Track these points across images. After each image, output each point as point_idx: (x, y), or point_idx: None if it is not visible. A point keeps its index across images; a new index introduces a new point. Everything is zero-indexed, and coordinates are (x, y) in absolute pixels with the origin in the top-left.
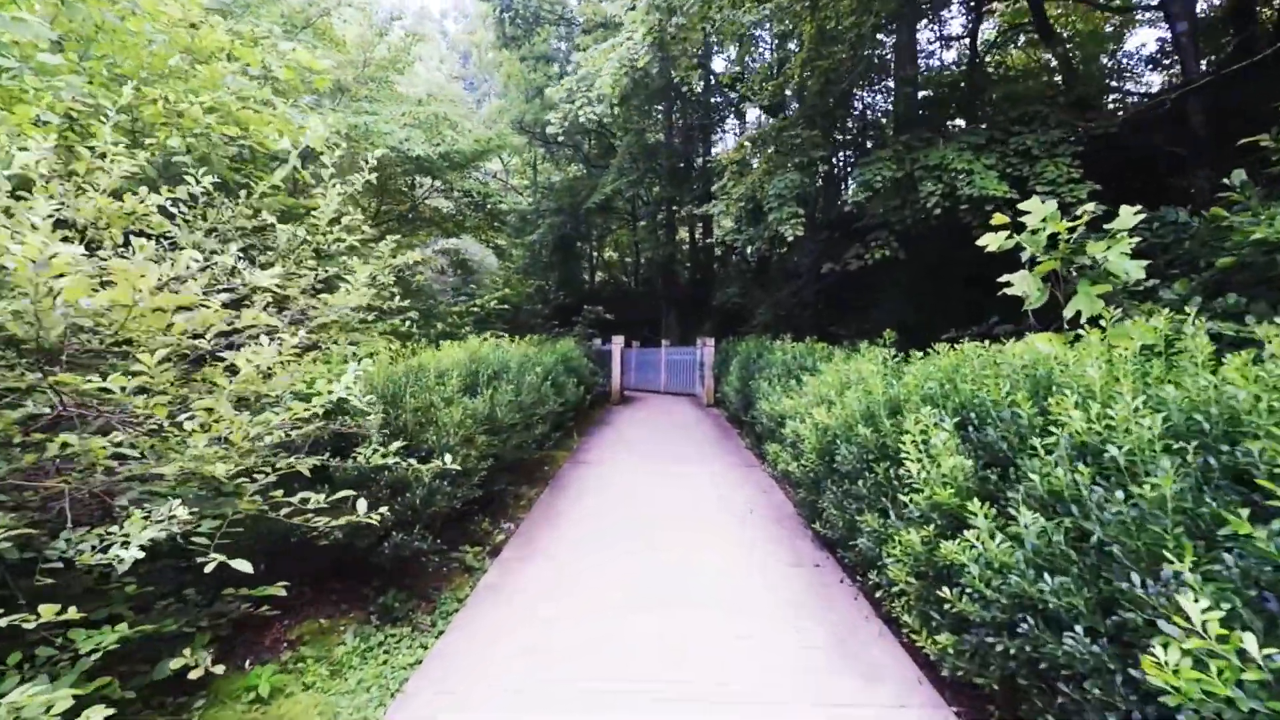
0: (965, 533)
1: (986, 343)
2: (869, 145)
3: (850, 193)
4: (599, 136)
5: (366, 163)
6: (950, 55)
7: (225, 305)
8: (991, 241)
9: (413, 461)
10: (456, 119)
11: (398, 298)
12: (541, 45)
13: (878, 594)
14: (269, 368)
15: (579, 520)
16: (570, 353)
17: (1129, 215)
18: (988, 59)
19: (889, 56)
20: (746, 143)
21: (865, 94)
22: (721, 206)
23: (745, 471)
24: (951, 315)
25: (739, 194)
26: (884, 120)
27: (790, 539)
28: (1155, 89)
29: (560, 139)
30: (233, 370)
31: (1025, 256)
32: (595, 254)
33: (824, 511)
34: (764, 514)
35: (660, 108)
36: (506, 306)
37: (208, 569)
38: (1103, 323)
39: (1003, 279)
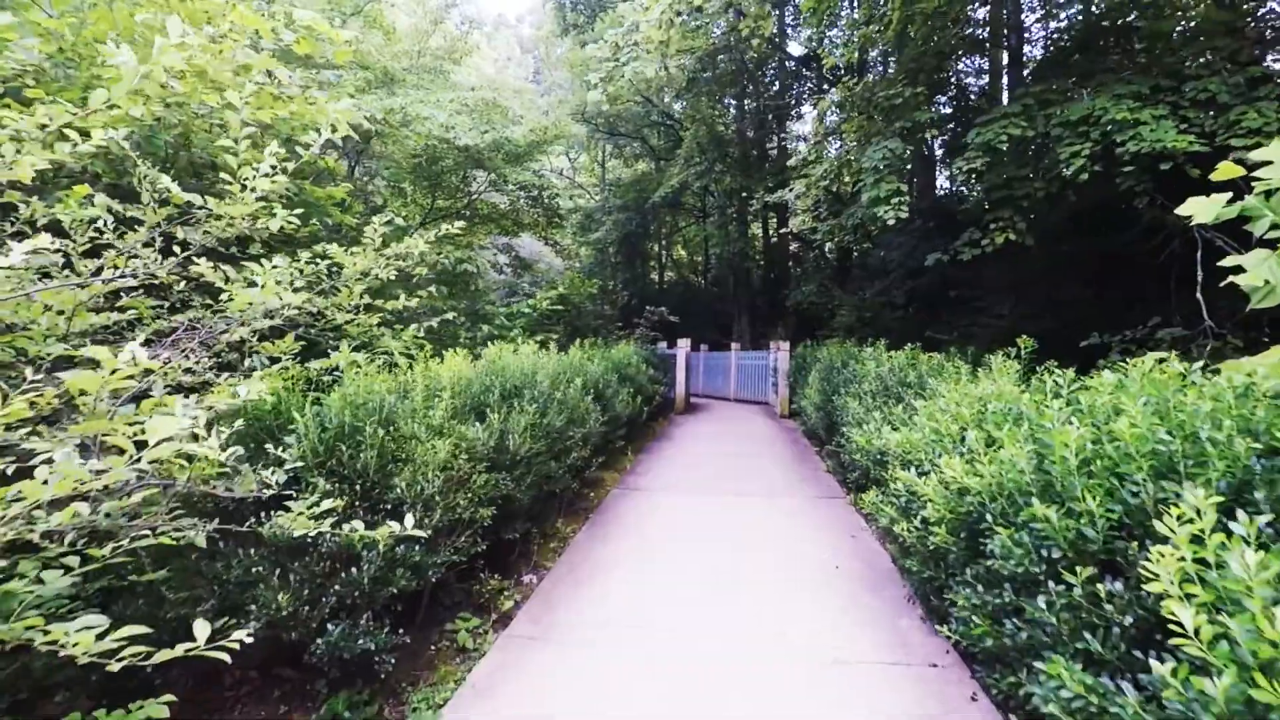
0: None
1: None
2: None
3: (962, 162)
4: (666, 130)
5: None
6: None
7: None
8: (1201, 210)
9: (357, 525)
10: (507, 106)
11: (428, 296)
12: (604, 29)
13: None
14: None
15: (615, 576)
16: (626, 359)
17: None
18: None
19: None
20: (832, 106)
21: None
22: (800, 188)
23: (828, 507)
24: (1081, 317)
25: (820, 173)
26: (999, 77)
27: (891, 616)
28: None
29: (623, 129)
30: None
31: (1261, 230)
32: (664, 253)
33: (953, 604)
34: (854, 572)
35: (731, 94)
36: (561, 307)
37: None
38: None
39: (1229, 263)
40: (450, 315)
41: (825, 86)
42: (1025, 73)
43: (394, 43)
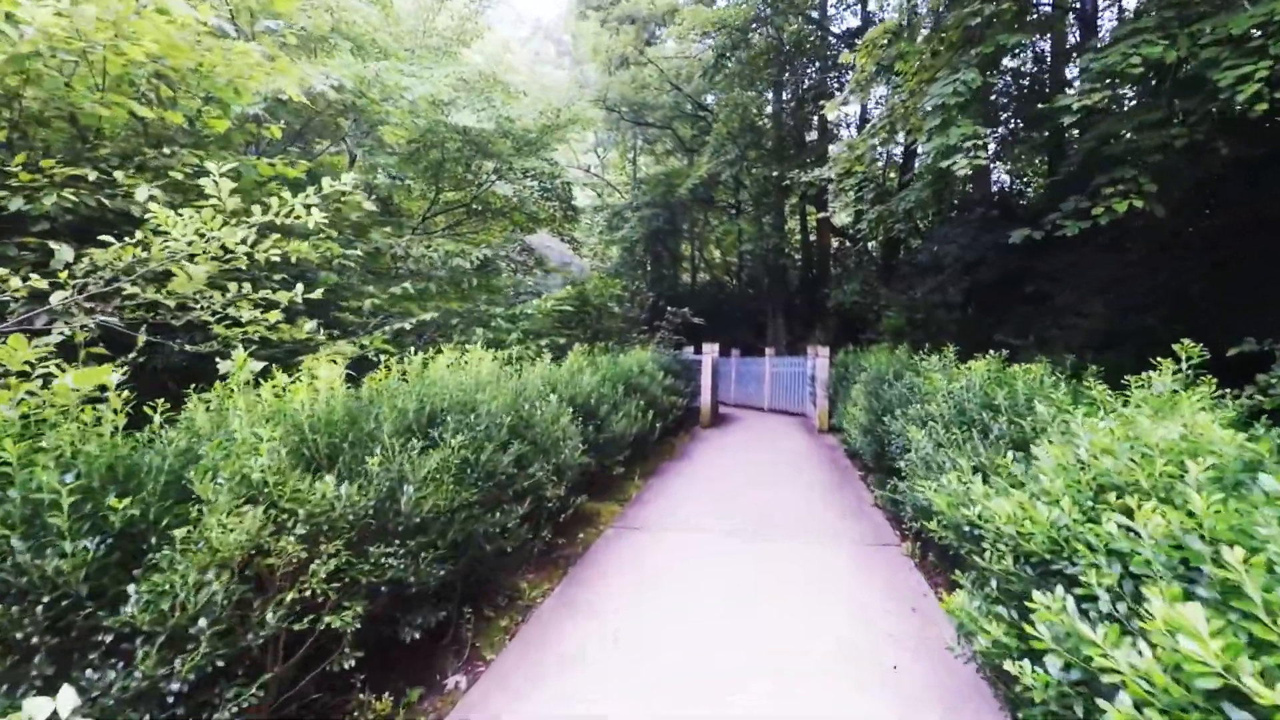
0: None
1: None
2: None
3: (1073, 91)
4: (697, 122)
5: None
6: None
7: None
8: None
9: None
10: (511, 83)
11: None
12: (626, 5)
13: None
14: None
15: (588, 674)
16: (636, 367)
17: None
18: None
19: None
20: (881, 38)
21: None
22: (842, 160)
23: (881, 563)
24: (1189, 319)
25: (868, 132)
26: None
27: None
28: None
29: (651, 120)
30: None
31: None
32: (697, 253)
33: None
34: (920, 676)
35: (765, 77)
36: (575, 309)
37: None
38: None
39: None
40: (429, 316)
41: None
42: None
43: (393, 23)
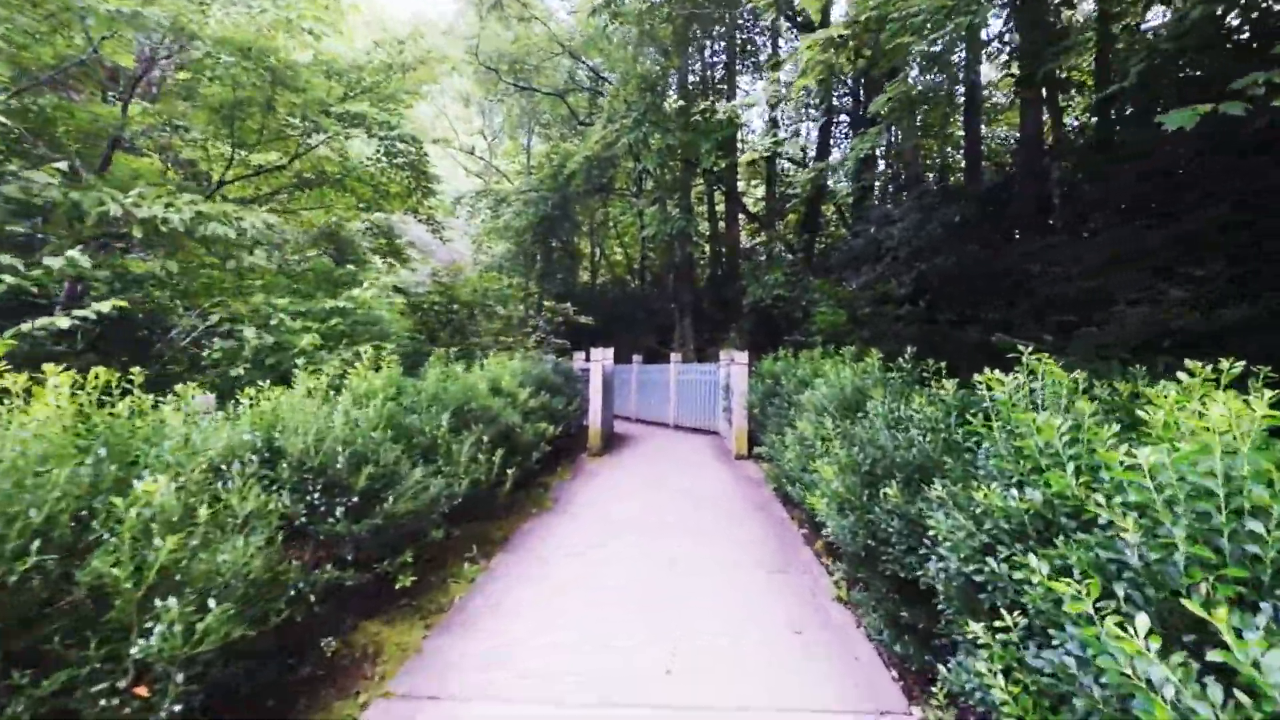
0: None
1: None
2: None
3: None
4: (594, 95)
5: None
6: None
7: None
8: None
9: None
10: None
11: None
12: None
13: None
14: None
15: None
16: (488, 385)
17: None
18: None
19: None
20: None
21: None
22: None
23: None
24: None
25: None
26: None
27: None
28: None
29: (541, 86)
30: None
31: None
32: (597, 248)
33: None
34: None
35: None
36: (435, 301)
37: None
38: None
39: None
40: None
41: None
42: None
43: None
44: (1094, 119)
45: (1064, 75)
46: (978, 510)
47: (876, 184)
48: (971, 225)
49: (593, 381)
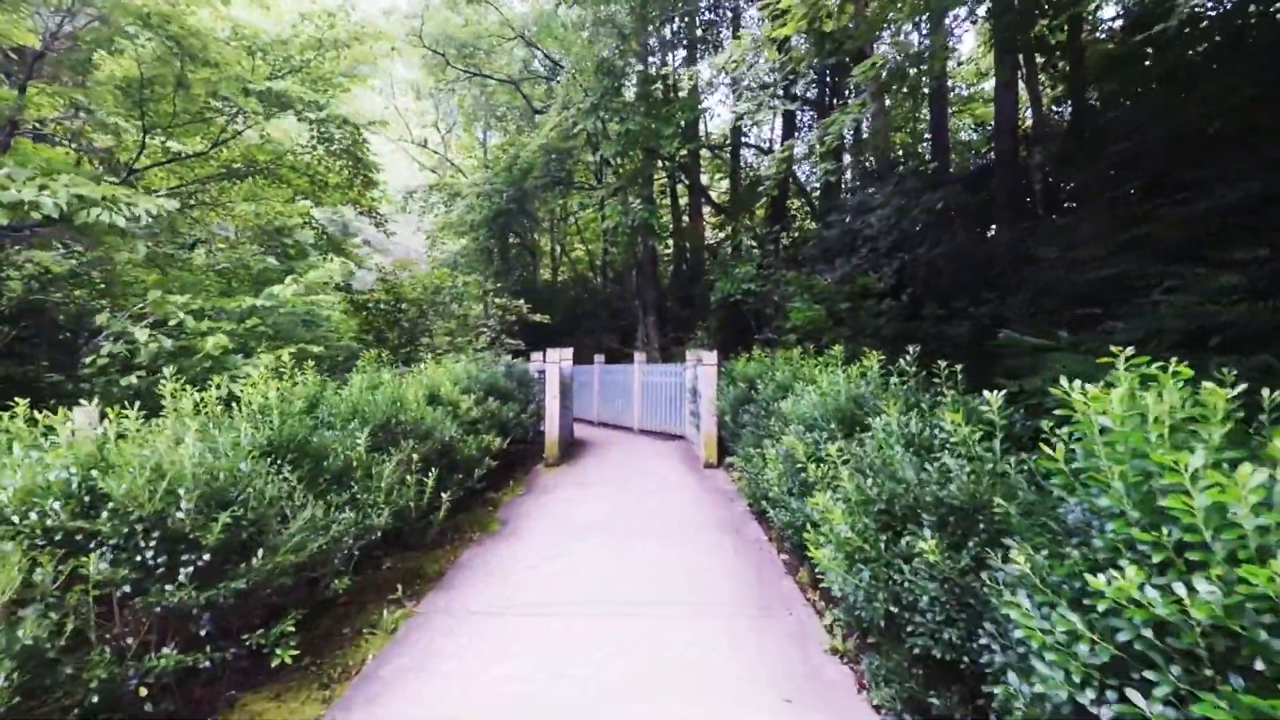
0: None
1: None
2: None
3: None
4: (551, 84)
5: None
6: None
7: None
8: None
9: None
10: None
11: None
12: None
13: None
14: None
15: None
16: (418, 398)
17: None
18: None
19: None
20: None
21: None
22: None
23: None
24: None
25: None
26: None
27: None
28: None
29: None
30: None
31: None
32: (558, 245)
33: None
34: None
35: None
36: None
37: None
38: None
39: None
40: None
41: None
42: None
43: None
44: (1070, 103)
45: (1042, 59)
46: (1099, 606)
47: (846, 175)
48: (956, 212)
49: (549, 385)
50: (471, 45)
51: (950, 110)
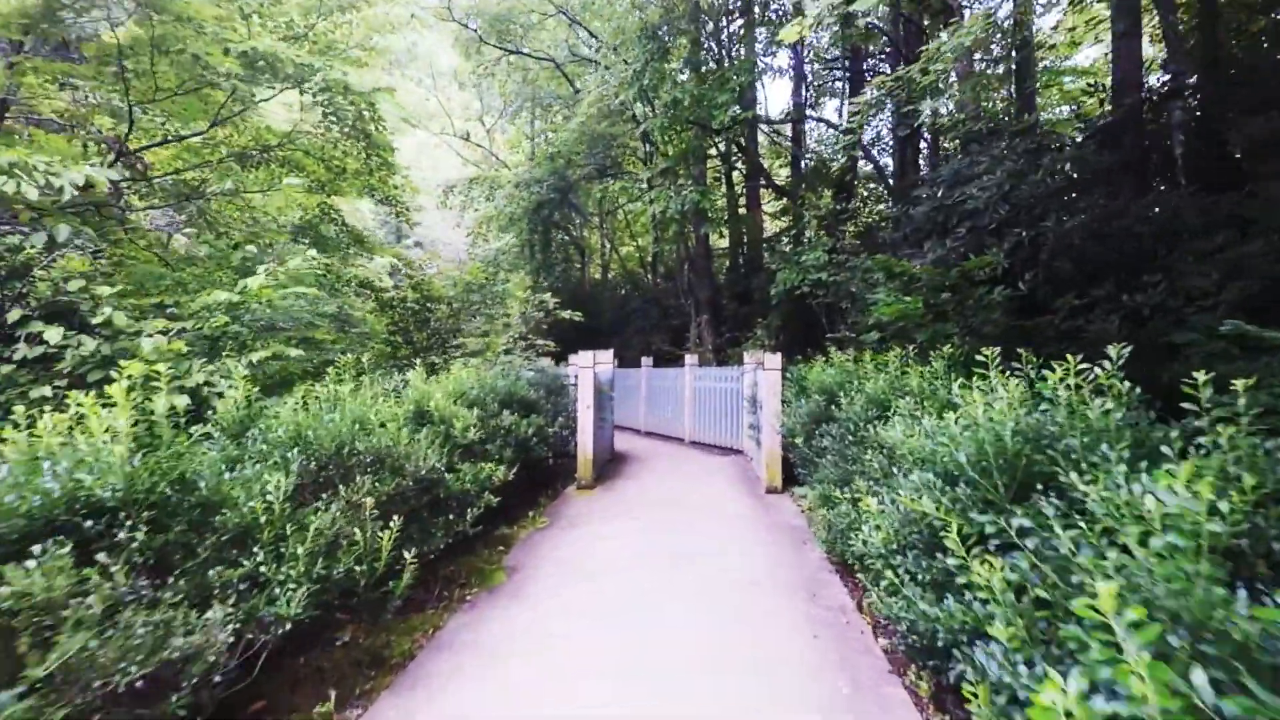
0: None
1: None
2: None
3: None
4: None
5: None
6: None
7: None
8: None
9: None
10: None
11: None
12: None
13: None
14: None
15: None
16: (401, 417)
17: None
18: None
19: None
20: None
21: None
22: None
23: None
24: None
25: None
26: None
27: None
28: None
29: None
30: None
31: None
32: (607, 241)
33: None
34: None
35: None
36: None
37: None
38: None
39: None
40: None
41: None
42: None
43: None
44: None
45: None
46: None
47: (921, 155)
48: (1089, 177)
49: (581, 393)
50: (507, 20)
51: (1036, 86)
